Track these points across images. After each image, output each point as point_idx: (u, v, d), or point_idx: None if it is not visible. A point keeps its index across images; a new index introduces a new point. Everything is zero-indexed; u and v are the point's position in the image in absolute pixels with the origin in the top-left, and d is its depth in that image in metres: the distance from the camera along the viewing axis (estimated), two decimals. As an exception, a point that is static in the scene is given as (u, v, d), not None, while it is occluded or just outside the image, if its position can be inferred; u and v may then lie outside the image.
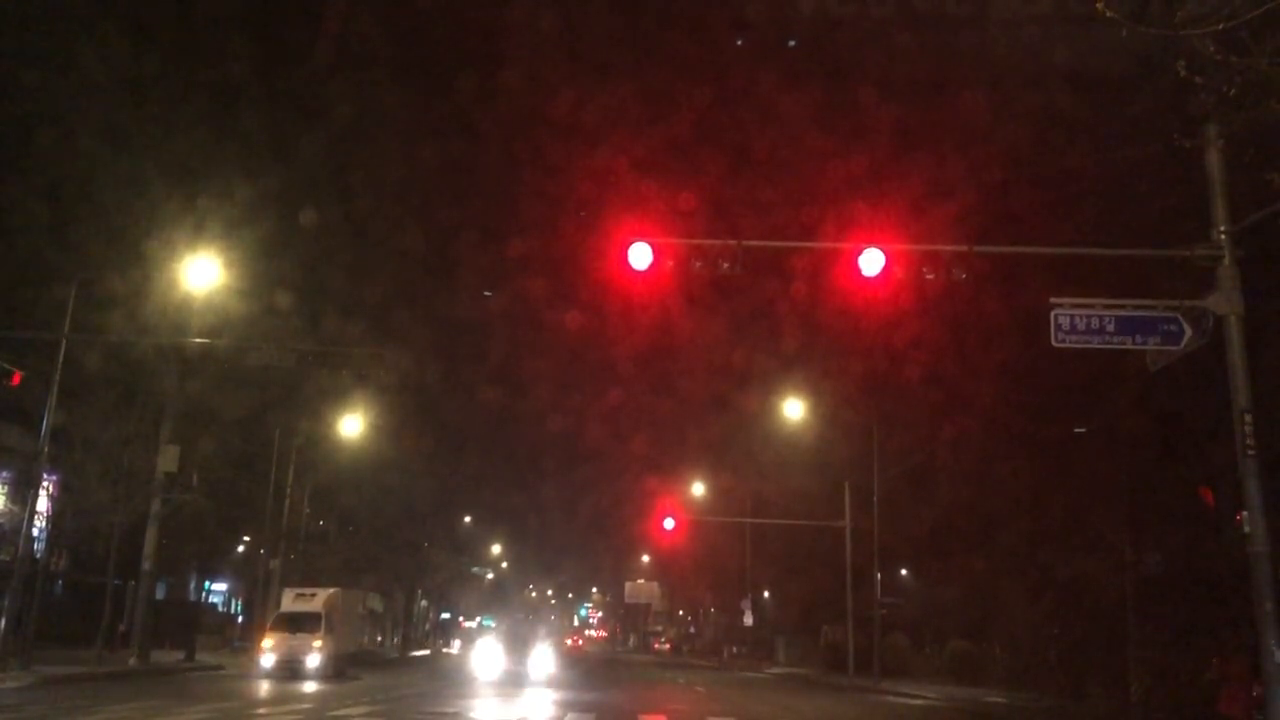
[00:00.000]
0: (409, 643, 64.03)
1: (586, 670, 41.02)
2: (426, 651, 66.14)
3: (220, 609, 53.85)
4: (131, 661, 29.07)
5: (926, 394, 32.22)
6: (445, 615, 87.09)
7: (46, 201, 25.81)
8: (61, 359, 24.14)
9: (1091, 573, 27.48)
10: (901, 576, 43.35)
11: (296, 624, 28.78)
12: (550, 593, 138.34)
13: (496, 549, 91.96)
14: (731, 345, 45.53)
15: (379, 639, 63.76)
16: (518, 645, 34.22)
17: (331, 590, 31.69)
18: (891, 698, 29.05)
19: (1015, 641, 33.29)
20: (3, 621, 23.33)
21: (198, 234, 26.01)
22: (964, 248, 14.03)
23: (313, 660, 28.04)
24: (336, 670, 29.14)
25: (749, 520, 49.27)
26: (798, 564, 48.09)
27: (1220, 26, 9.66)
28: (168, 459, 29.73)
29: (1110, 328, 13.57)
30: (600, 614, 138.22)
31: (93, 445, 26.62)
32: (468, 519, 74.67)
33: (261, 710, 18.38)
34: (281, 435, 37.13)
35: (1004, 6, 16.11)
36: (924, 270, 13.88)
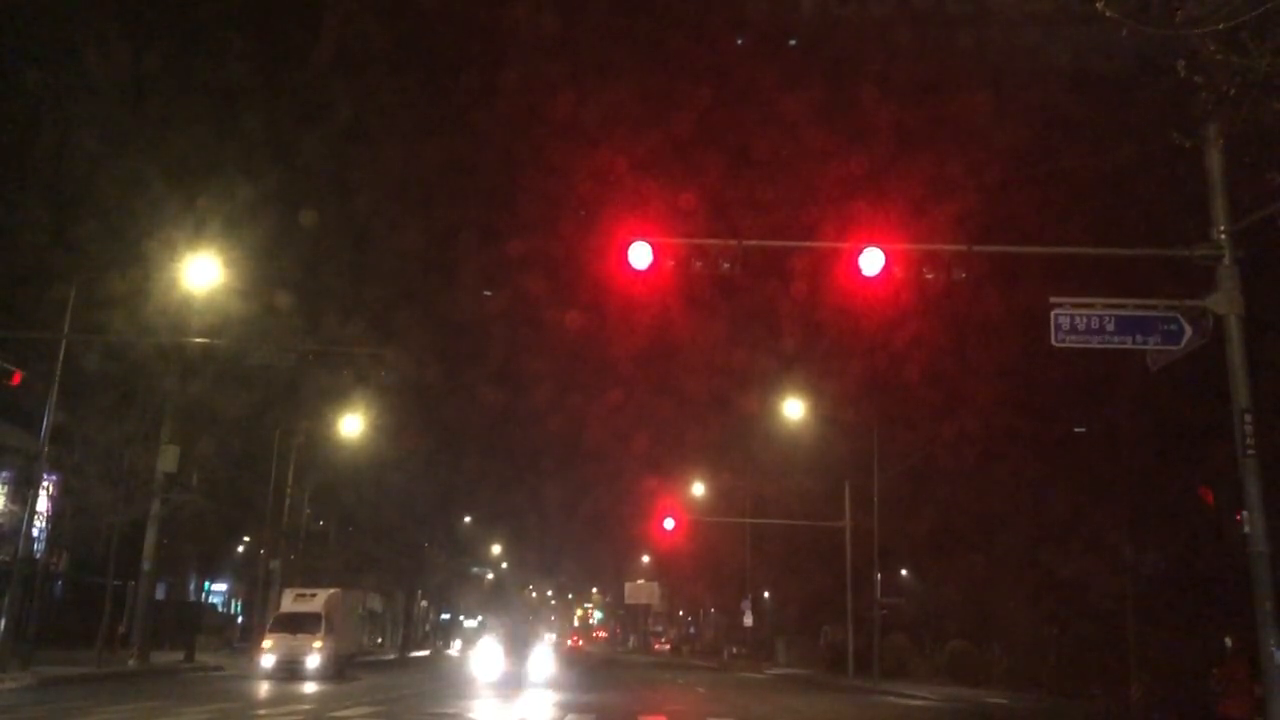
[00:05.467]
0: (409, 643, 64.03)
1: (586, 671, 41.00)
2: (426, 652, 66.12)
3: (220, 609, 53.80)
4: (131, 662, 29.06)
5: (926, 394, 32.24)
6: (445, 616, 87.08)
7: (46, 201, 25.81)
8: (62, 359, 24.14)
9: (1091, 573, 27.51)
10: (901, 576, 43.35)
11: (296, 624, 28.77)
12: (550, 593, 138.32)
13: (496, 549, 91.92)
14: (732, 345, 45.51)
15: (379, 639, 63.76)
16: (517, 646, 34.24)
17: (332, 591, 31.68)
18: (892, 698, 29.05)
19: (1015, 641, 33.33)
20: (3, 622, 23.32)
21: (198, 234, 25.99)
22: (964, 247, 14.01)
23: (313, 661, 28.03)
24: (336, 671, 29.13)
25: (749, 520, 49.23)
26: (798, 564, 48.08)
27: (1221, 26, 9.65)
28: (168, 459, 29.73)
29: (1110, 328, 13.55)
30: (597, 613, 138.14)
31: (93, 445, 26.59)
32: (468, 519, 74.68)
33: (262, 711, 18.37)
34: (281, 435, 37.12)
35: (1004, 6, 16.10)
36: (924, 270, 13.85)
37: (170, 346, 27.00)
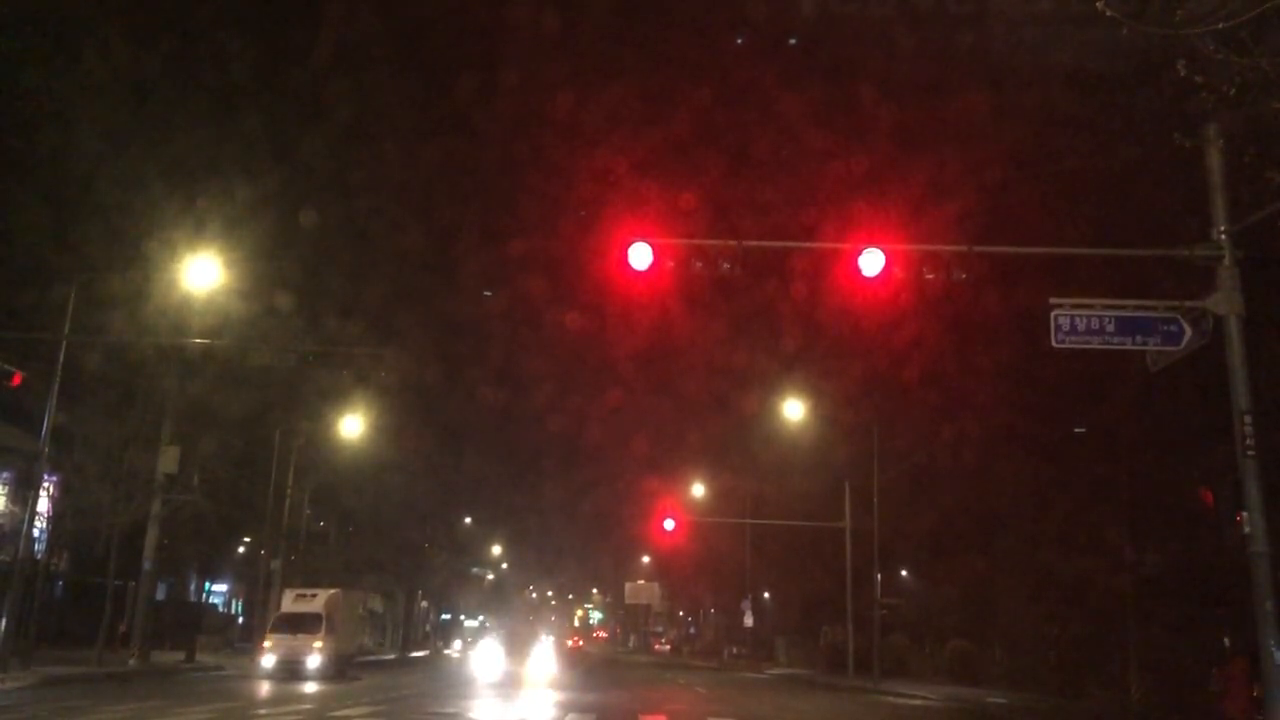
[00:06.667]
0: (409, 643, 64.03)
1: (586, 671, 41.00)
2: (425, 652, 66.12)
3: (221, 609, 53.84)
4: (132, 662, 29.07)
5: (926, 394, 32.26)
6: (445, 616, 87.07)
7: (46, 201, 25.79)
8: (62, 359, 24.14)
9: (1091, 573, 27.51)
10: (901, 577, 43.34)
11: (297, 624, 28.78)
12: (550, 593, 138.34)
13: (497, 549, 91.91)
14: (731, 345, 45.52)
15: (379, 640, 63.75)
16: (518, 646, 34.28)
17: (332, 591, 31.69)
18: (891, 698, 29.05)
19: (1015, 641, 33.33)
20: (3, 621, 23.32)
21: (198, 234, 25.97)
22: (964, 248, 14.01)
23: (313, 661, 28.04)
24: (337, 671, 29.13)
25: (749, 521, 49.24)
26: (798, 564, 48.10)
27: (1220, 26, 9.66)
28: (168, 459, 29.73)
29: (1110, 328, 13.55)
30: (595, 613, 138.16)
31: (93, 445, 26.62)
32: (468, 519, 74.64)
33: (262, 711, 18.38)
34: (282, 435, 37.12)
35: (1004, 6, 16.11)
36: (924, 270, 13.85)
37: (170, 347, 26.97)
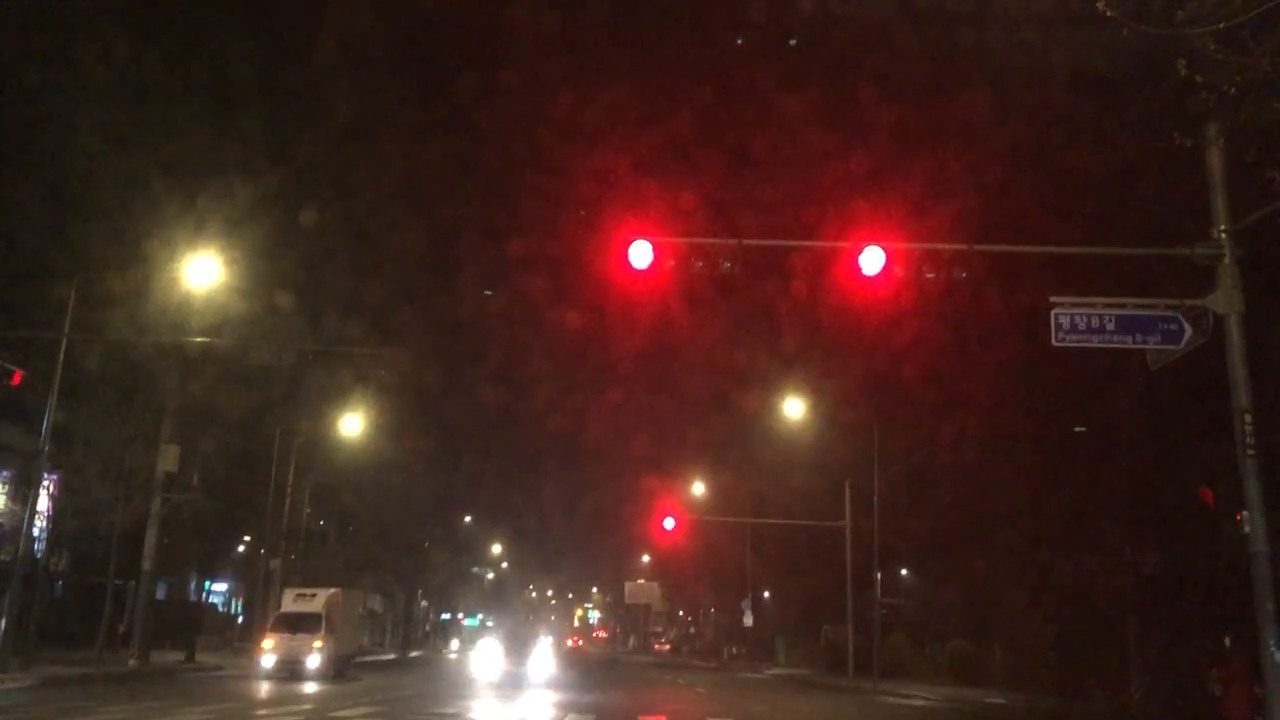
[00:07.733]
0: (409, 643, 64.03)
1: (586, 671, 41.00)
2: (423, 652, 66.11)
3: (220, 609, 53.78)
4: (131, 662, 29.07)
5: (927, 393, 32.21)
6: (445, 616, 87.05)
7: (46, 201, 25.80)
8: (62, 359, 24.14)
9: (1091, 573, 27.49)
10: (901, 577, 43.34)
11: (297, 624, 28.77)
12: (550, 593, 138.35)
13: (497, 549, 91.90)
14: (732, 345, 45.56)
15: (379, 639, 63.73)
16: (517, 646, 34.28)
17: (332, 590, 31.67)
18: (891, 698, 29.05)
19: (1015, 641, 33.31)
20: (3, 621, 23.32)
21: (198, 233, 25.99)
22: (964, 246, 14.00)
23: (313, 661, 28.03)
24: (337, 671, 29.12)
25: (749, 520, 49.24)
26: (798, 564, 48.06)
27: (1221, 26, 9.65)
28: (168, 459, 29.74)
29: (1110, 327, 13.55)
30: (593, 613, 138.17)
31: (93, 445, 26.61)
32: (468, 519, 74.64)
33: (262, 711, 18.38)
34: (282, 435, 37.11)
35: (1004, 6, 16.10)
36: (924, 269, 13.83)
37: (170, 346, 26.99)
